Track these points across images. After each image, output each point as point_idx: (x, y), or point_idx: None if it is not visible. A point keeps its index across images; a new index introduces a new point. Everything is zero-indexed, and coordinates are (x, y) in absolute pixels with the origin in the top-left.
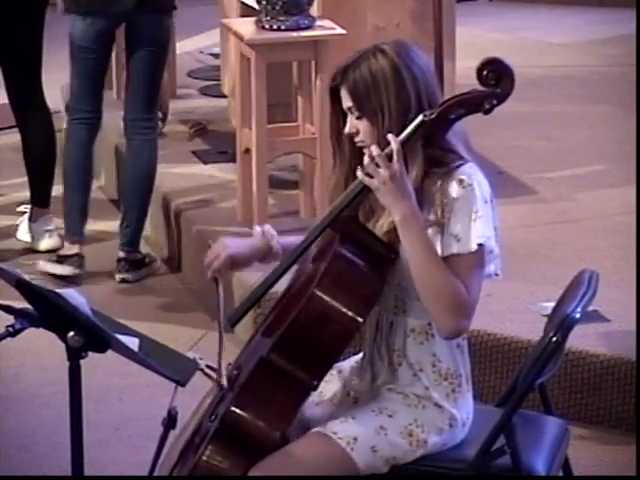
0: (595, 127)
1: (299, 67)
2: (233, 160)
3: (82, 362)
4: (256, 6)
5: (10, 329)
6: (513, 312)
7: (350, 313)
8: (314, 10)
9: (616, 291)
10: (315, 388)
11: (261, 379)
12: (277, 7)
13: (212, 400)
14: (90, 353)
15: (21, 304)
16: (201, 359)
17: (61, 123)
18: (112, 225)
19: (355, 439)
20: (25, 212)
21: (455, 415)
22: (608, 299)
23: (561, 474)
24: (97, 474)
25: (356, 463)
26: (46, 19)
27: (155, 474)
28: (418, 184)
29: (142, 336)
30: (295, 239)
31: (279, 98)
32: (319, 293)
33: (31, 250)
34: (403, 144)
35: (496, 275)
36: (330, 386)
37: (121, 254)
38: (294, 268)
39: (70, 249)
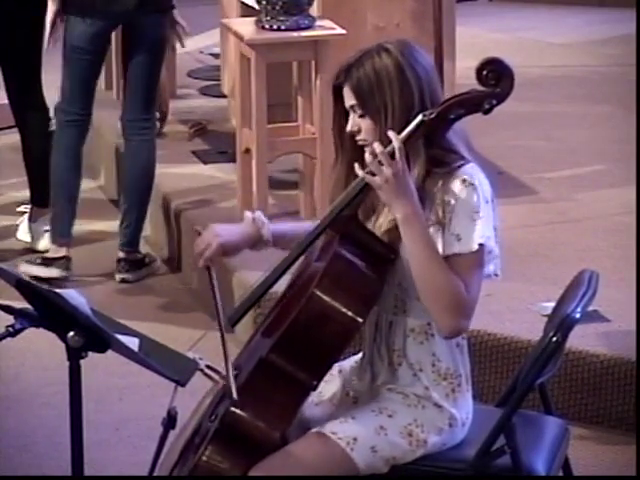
0: (595, 127)
1: (299, 67)
2: (233, 160)
3: (82, 362)
4: (256, 6)
5: (10, 329)
6: (513, 312)
7: (350, 313)
8: (314, 10)
9: (616, 291)
10: (315, 388)
11: (261, 379)
12: (277, 7)
13: (212, 400)
14: (90, 353)
15: (21, 304)
16: (201, 359)
17: None
18: (112, 225)
19: (355, 439)
20: (25, 212)
21: (455, 415)
22: (608, 299)
23: (561, 474)
24: (97, 474)
25: (356, 463)
26: (45, 19)
27: (155, 474)
28: (419, 184)
29: (142, 336)
30: (286, 226)
31: (279, 98)
32: (319, 293)
33: (31, 250)
34: (403, 143)
35: (495, 275)
36: (330, 386)
37: (121, 254)
38: (294, 268)
39: (58, 252)
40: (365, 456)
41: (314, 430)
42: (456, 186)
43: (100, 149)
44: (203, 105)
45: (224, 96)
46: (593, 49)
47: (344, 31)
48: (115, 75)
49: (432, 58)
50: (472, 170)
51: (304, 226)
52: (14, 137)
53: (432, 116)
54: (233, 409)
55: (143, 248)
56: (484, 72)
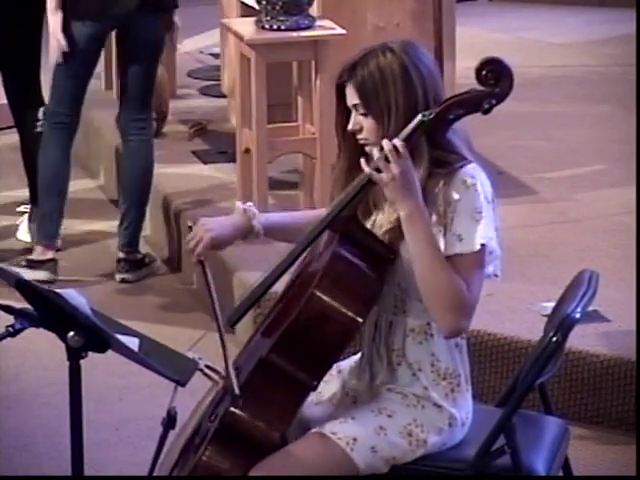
0: (595, 127)
1: (299, 67)
2: (233, 160)
3: (82, 362)
4: (256, 6)
5: (10, 329)
6: (513, 312)
7: (350, 313)
8: (314, 10)
9: (616, 291)
10: (315, 388)
11: (261, 379)
12: (277, 7)
13: (212, 400)
14: (90, 353)
15: (21, 304)
16: (201, 359)
17: None
18: (112, 225)
19: (355, 439)
20: (25, 212)
21: (454, 415)
22: (608, 299)
23: (561, 474)
24: (97, 474)
25: (356, 463)
26: (44, 19)
27: (155, 474)
28: (422, 184)
29: (142, 336)
30: (277, 217)
31: (279, 98)
32: (319, 293)
33: (31, 250)
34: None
35: (495, 276)
36: (329, 386)
37: (121, 254)
38: (294, 268)
39: (45, 254)
40: (365, 456)
41: (314, 430)
42: (458, 186)
43: (100, 149)
44: (203, 105)
45: (224, 96)
46: (593, 49)
47: (344, 31)
48: (115, 75)
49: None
50: (473, 170)
51: (296, 216)
52: (14, 137)
53: (431, 116)
54: (233, 409)
55: (143, 248)
56: (483, 72)
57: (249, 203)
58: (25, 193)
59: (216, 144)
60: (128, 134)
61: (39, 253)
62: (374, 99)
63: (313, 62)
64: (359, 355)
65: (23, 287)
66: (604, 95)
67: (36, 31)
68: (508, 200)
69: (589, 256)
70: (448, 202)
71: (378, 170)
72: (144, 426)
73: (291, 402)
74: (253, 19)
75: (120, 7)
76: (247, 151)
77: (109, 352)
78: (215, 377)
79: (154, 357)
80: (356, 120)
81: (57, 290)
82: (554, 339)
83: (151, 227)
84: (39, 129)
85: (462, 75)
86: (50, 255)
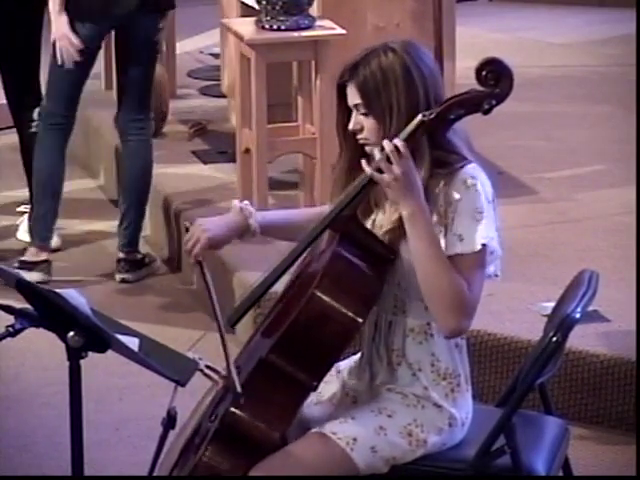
0: (595, 127)
1: (299, 67)
2: (233, 160)
3: (82, 362)
4: (256, 6)
5: (10, 329)
6: (513, 312)
7: (350, 313)
8: (314, 10)
9: (616, 291)
10: (315, 389)
11: (261, 380)
12: (277, 7)
13: (212, 400)
14: (90, 353)
15: (21, 304)
16: (201, 359)
17: None
18: (112, 225)
19: (355, 439)
20: (25, 212)
21: (454, 415)
22: (608, 299)
23: (561, 474)
24: (97, 474)
25: (356, 463)
26: (44, 19)
27: (155, 474)
28: (423, 184)
29: (142, 336)
30: (274, 215)
31: (279, 98)
32: (319, 294)
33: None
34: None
35: (495, 276)
36: (329, 386)
37: (121, 255)
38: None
39: (39, 255)
40: (365, 456)
41: (314, 430)
42: (458, 186)
43: (100, 149)
44: (203, 105)
45: (224, 96)
46: (593, 49)
47: (344, 31)
48: (115, 75)
49: None
50: (474, 170)
51: (293, 213)
52: (14, 137)
53: (432, 116)
54: (233, 409)
55: (143, 248)
56: (483, 72)
57: (245, 202)
58: (25, 193)
59: (216, 144)
60: (127, 134)
61: (33, 254)
62: (376, 99)
63: (313, 62)
64: (359, 355)
65: (23, 287)
66: (604, 95)
67: (36, 31)
68: (508, 200)
69: (589, 256)
70: (449, 202)
71: (379, 171)
72: (144, 426)
73: (291, 402)
74: (253, 19)
75: (121, 7)
76: (247, 151)
77: (109, 352)
78: (215, 377)
79: (154, 357)
80: (357, 120)
81: (57, 290)
82: (554, 339)
83: (151, 227)
84: (34, 129)
85: (462, 75)
86: (44, 256)
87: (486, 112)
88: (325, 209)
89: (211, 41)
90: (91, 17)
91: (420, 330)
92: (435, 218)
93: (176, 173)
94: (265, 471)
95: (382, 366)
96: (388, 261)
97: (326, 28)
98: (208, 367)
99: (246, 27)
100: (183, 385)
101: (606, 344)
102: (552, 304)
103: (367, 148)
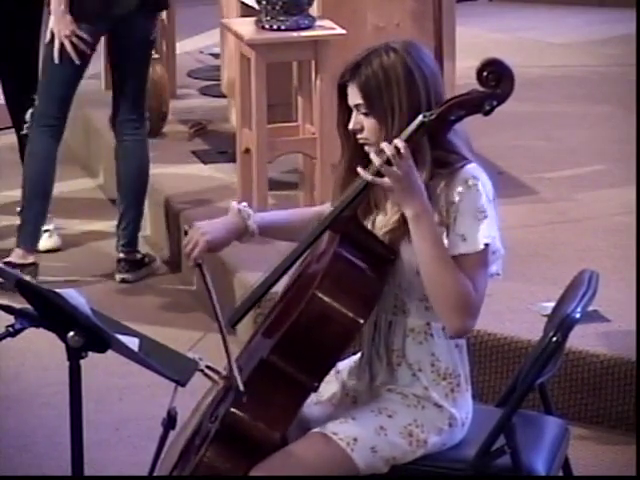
0: (595, 127)
1: (299, 67)
2: (233, 160)
3: (82, 362)
4: (256, 6)
5: (10, 329)
6: (513, 312)
7: (351, 314)
8: (314, 10)
9: (616, 291)
10: (315, 389)
11: (261, 380)
12: (277, 7)
13: (212, 400)
14: (90, 353)
15: (21, 304)
16: (201, 359)
17: None
18: (112, 225)
19: (355, 440)
20: None
21: (454, 415)
22: (608, 299)
23: (561, 474)
24: (97, 474)
25: (356, 463)
26: (44, 19)
27: (155, 474)
28: (425, 185)
29: (142, 336)
30: (272, 216)
31: (279, 98)
32: (319, 294)
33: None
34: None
35: (497, 275)
36: (329, 386)
37: (120, 255)
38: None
39: (26, 258)
40: (365, 456)
41: (314, 430)
42: (460, 186)
43: (100, 149)
44: (203, 105)
45: (224, 96)
46: (593, 49)
47: (344, 31)
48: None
49: None
50: (475, 170)
51: (291, 214)
52: (14, 137)
53: (432, 117)
54: (233, 410)
55: (143, 248)
56: (484, 73)
57: (244, 203)
58: None
59: (216, 144)
60: (122, 134)
61: (19, 257)
62: (377, 99)
63: (313, 62)
64: (359, 355)
65: (23, 287)
66: (604, 95)
67: (36, 31)
68: (508, 200)
69: (589, 256)
70: (450, 202)
71: (379, 174)
72: (144, 426)
73: (292, 403)
74: (253, 19)
75: (121, 8)
76: (247, 151)
77: (109, 352)
78: (215, 377)
79: (154, 357)
80: (357, 120)
81: (57, 290)
82: (554, 339)
83: (151, 227)
84: (25, 131)
85: (462, 75)
86: (31, 259)
87: (487, 113)
88: (324, 208)
89: (211, 41)
90: (92, 17)
91: (420, 330)
92: (437, 218)
93: (176, 173)
94: (265, 471)
95: (382, 366)
96: (388, 261)
97: (326, 28)
98: (208, 367)
99: (246, 27)
100: (183, 385)
101: (606, 344)
102: (552, 304)
103: (366, 148)
